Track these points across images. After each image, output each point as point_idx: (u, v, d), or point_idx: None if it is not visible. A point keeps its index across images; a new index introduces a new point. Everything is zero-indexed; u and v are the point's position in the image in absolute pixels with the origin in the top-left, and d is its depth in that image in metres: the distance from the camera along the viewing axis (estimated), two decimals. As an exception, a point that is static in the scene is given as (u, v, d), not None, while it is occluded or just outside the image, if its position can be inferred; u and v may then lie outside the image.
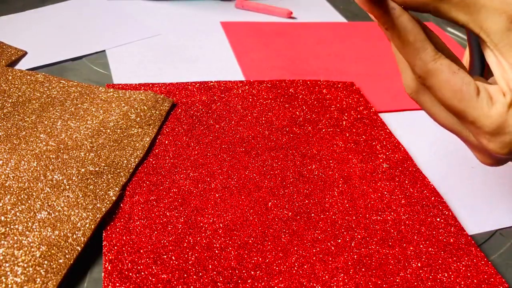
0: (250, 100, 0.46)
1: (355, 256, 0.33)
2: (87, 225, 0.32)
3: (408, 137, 0.45)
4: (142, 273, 0.30)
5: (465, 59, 0.37)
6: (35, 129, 0.39)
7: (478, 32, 0.28)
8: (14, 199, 0.33)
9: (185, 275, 0.30)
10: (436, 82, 0.29)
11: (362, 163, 0.41)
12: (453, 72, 0.29)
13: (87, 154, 0.37)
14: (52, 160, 0.36)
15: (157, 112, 0.42)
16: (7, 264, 0.29)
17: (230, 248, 0.32)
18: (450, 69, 0.29)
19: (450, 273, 0.33)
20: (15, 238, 0.30)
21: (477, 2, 0.27)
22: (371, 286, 0.31)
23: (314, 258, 0.32)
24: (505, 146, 0.28)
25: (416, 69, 0.30)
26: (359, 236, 0.34)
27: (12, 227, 0.31)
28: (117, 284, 0.29)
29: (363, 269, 0.32)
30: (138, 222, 0.33)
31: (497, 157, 0.30)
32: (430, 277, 0.32)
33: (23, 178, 0.34)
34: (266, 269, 0.31)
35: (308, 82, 0.50)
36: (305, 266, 0.32)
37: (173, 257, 0.31)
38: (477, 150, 0.32)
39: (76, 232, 0.31)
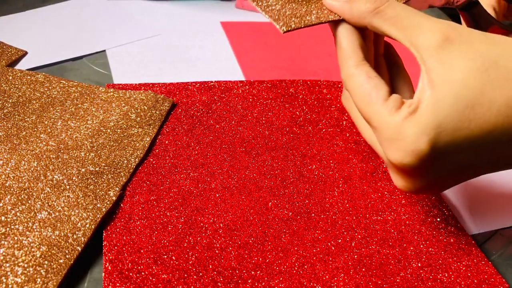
0: (250, 100, 0.46)
1: (356, 256, 0.33)
2: (88, 225, 0.32)
3: (408, 137, 0.45)
4: (143, 273, 0.30)
5: None
6: (35, 129, 0.39)
7: (409, 47, 0.29)
8: (15, 199, 0.33)
9: (185, 275, 0.30)
10: (352, 86, 0.30)
11: (362, 163, 0.41)
12: (368, 77, 0.30)
13: (87, 154, 0.37)
14: (52, 160, 0.36)
15: (157, 112, 0.42)
16: (7, 264, 0.29)
17: (230, 248, 0.32)
18: (367, 75, 0.30)
19: (451, 273, 0.33)
20: (16, 238, 0.30)
21: (411, 19, 0.29)
22: (371, 286, 0.31)
23: (314, 258, 0.32)
24: (400, 153, 0.28)
25: (341, 74, 0.31)
26: (359, 236, 0.34)
27: (12, 227, 0.31)
28: (118, 284, 0.29)
29: (363, 269, 0.32)
30: (138, 222, 0.33)
31: (408, 178, 0.30)
32: (431, 277, 0.32)
33: (23, 178, 0.34)
34: (267, 269, 0.31)
35: (308, 82, 0.50)
36: (306, 266, 0.32)
37: (174, 257, 0.31)
38: (390, 169, 0.32)
39: (77, 232, 0.31)
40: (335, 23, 0.32)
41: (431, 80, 0.28)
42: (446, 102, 0.27)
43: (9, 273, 0.28)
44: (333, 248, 0.33)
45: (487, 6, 0.50)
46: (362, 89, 0.30)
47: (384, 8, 0.30)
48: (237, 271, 0.31)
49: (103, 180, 0.35)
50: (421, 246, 0.34)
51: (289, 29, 0.31)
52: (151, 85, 0.47)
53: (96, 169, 0.36)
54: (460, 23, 0.45)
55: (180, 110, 0.44)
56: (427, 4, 0.40)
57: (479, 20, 0.45)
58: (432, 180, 0.30)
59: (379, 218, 0.36)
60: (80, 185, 0.34)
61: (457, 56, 0.27)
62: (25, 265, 0.29)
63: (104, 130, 0.39)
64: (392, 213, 0.36)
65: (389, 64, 0.35)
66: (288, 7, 0.32)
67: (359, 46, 0.31)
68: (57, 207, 0.32)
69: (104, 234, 0.32)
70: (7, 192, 0.33)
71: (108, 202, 0.34)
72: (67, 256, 0.30)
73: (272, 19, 0.32)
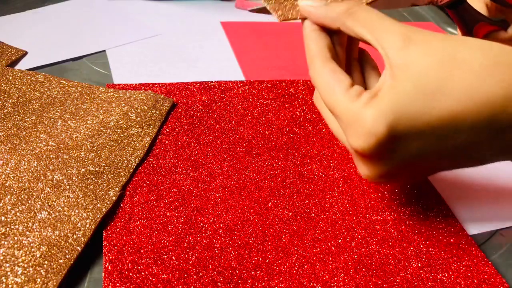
0: (250, 100, 0.46)
1: (356, 256, 0.33)
2: (88, 225, 0.32)
3: (408, 137, 0.45)
4: (143, 273, 0.30)
5: None
6: (35, 129, 0.39)
7: (376, 46, 0.31)
8: (15, 199, 0.33)
9: (185, 275, 0.30)
10: (318, 81, 0.33)
11: (362, 163, 0.41)
12: (332, 72, 0.32)
13: (88, 154, 0.37)
14: (52, 160, 0.36)
15: (157, 112, 0.42)
16: (7, 264, 0.29)
17: (230, 248, 0.32)
18: (332, 70, 0.32)
19: (450, 273, 0.33)
20: (16, 238, 0.30)
21: (380, 23, 0.32)
22: (371, 286, 0.31)
23: (314, 258, 0.32)
24: (360, 137, 0.30)
25: (309, 73, 0.34)
26: (359, 236, 0.34)
27: (12, 227, 0.31)
28: (118, 284, 0.29)
29: (363, 269, 0.32)
30: (138, 222, 0.33)
31: (369, 164, 0.32)
32: (431, 277, 0.32)
33: (23, 178, 0.34)
34: (267, 269, 0.31)
35: (308, 82, 0.50)
36: (306, 266, 0.32)
37: (174, 257, 0.31)
38: (354, 157, 0.33)
39: (77, 232, 0.31)
40: (304, 27, 0.35)
41: (393, 73, 0.30)
42: (405, 90, 0.29)
43: (9, 273, 0.28)
44: (333, 248, 0.33)
45: (479, 1, 0.50)
46: (327, 83, 0.32)
47: (355, 11, 0.33)
48: (237, 271, 0.31)
49: (103, 180, 0.35)
50: (421, 246, 0.34)
51: (286, 19, 0.36)
52: (151, 85, 0.47)
53: (96, 169, 0.36)
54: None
55: (180, 110, 0.44)
56: (410, 3, 0.41)
57: (466, 17, 0.45)
58: (394, 166, 0.31)
59: (379, 218, 0.36)
60: (80, 185, 0.34)
61: (418, 53, 0.30)
62: (25, 265, 0.29)
63: (104, 130, 0.39)
64: (392, 213, 0.36)
65: (365, 68, 0.38)
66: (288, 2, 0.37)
67: (326, 47, 0.34)
68: (57, 207, 0.32)
69: (104, 234, 0.32)
70: (7, 192, 0.33)
71: (108, 202, 0.34)
72: (67, 256, 0.30)
73: (272, 9, 0.37)
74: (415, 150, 0.30)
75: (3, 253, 0.29)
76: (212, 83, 0.48)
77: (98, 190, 0.34)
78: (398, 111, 0.29)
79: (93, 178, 0.35)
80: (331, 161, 0.41)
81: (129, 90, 0.44)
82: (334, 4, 0.34)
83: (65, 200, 0.33)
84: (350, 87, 0.32)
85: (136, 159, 0.38)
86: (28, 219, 0.31)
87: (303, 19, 0.36)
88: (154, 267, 0.30)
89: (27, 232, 0.31)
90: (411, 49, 0.30)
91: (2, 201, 0.32)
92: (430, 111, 0.29)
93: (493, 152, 0.32)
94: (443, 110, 0.29)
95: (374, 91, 0.31)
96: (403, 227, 0.35)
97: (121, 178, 0.36)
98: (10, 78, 0.44)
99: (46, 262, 0.29)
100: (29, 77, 0.45)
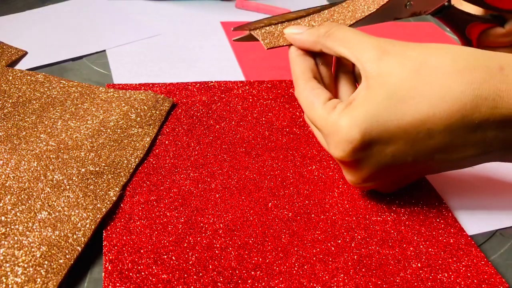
0: (250, 100, 0.47)
1: (355, 257, 0.33)
2: (88, 225, 0.32)
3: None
4: (143, 273, 0.30)
5: None
6: (35, 129, 0.39)
7: (355, 61, 0.33)
8: (15, 199, 0.33)
9: (185, 275, 0.30)
10: (301, 99, 0.36)
11: (362, 163, 0.41)
12: (312, 89, 0.35)
13: (88, 154, 0.37)
14: (53, 160, 0.36)
15: (157, 112, 0.42)
16: (7, 264, 0.29)
17: (230, 248, 0.32)
18: (312, 88, 0.35)
19: (450, 273, 0.33)
20: (16, 238, 0.30)
21: (356, 40, 0.34)
22: (371, 286, 0.31)
23: (314, 258, 0.32)
24: (338, 146, 0.32)
25: (295, 93, 0.37)
26: (359, 237, 0.34)
27: (12, 227, 0.31)
28: (118, 284, 0.29)
29: (363, 270, 0.32)
30: (138, 222, 0.33)
31: (352, 171, 0.34)
32: (430, 277, 0.32)
33: (23, 178, 0.34)
34: (266, 269, 0.31)
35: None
36: (305, 267, 0.32)
37: (174, 257, 0.31)
38: (340, 165, 0.36)
39: (77, 232, 0.31)
40: (290, 53, 0.39)
41: (368, 84, 0.32)
42: (378, 98, 0.31)
43: (9, 273, 0.28)
44: (333, 248, 0.33)
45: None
46: (307, 98, 0.35)
47: (333, 31, 0.36)
48: (237, 271, 0.31)
49: (103, 180, 0.35)
50: (421, 246, 0.34)
51: (273, 46, 0.40)
52: (151, 85, 0.47)
53: (96, 169, 0.36)
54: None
55: (180, 110, 0.44)
56: (393, 17, 0.41)
57: (457, 21, 0.45)
58: (374, 171, 0.33)
59: (379, 218, 0.36)
60: (80, 185, 0.34)
61: (392, 63, 0.32)
62: (25, 265, 0.29)
63: (104, 130, 0.39)
64: (392, 213, 0.36)
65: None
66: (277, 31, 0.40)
67: (308, 68, 0.37)
68: (57, 207, 0.32)
69: (104, 234, 0.32)
70: (7, 192, 0.33)
71: (108, 202, 0.34)
72: (67, 256, 0.30)
73: (261, 37, 0.40)
74: (390, 154, 0.32)
75: (3, 253, 0.29)
76: (212, 83, 0.48)
77: (98, 190, 0.34)
78: (371, 118, 0.31)
79: (93, 178, 0.35)
80: (331, 162, 0.41)
81: (129, 90, 0.44)
82: (315, 28, 0.38)
83: (65, 200, 0.33)
84: (327, 100, 0.34)
85: (136, 159, 0.38)
86: (28, 219, 0.31)
87: (289, 45, 0.39)
88: (154, 267, 0.30)
89: (27, 232, 0.31)
90: (386, 60, 0.32)
91: (2, 201, 0.32)
92: (402, 117, 0.31)
93: (474, 152, 0.33)
94: (416, 114, 0.30)
95: (348, 101, 0.33)
96: (402, 227, 0.35)
97: (121, 178, 0.36)
98: (10, 78, 0.44)
99: (46, 262, 0.29)
100: (29, 77, 0.45)
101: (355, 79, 0.39)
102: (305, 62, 0.37)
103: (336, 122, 0.32)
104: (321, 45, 0.36)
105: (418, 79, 0.31)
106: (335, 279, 0.31)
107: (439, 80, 0.30)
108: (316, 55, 0.38)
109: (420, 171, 0.35)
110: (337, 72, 0.39)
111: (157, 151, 0.39)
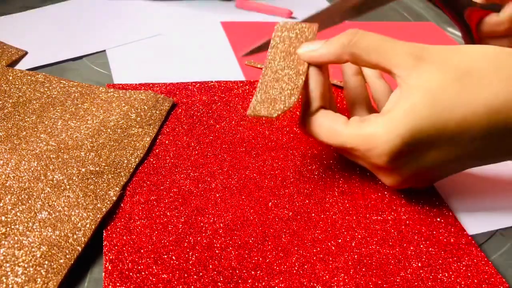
0: (250, 100, 0.46)
1: (356, 256, 0.33)
2: (88, 225, 0.32)
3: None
4: (143, 273, 0.30)
5: None
6: (35, 129, 0.39)
7: (389, 69, 0.33)
8: (15, 199, 0.33)
9: (185, 275, 0.30)
10: (314, 130, 0.35)
11: (362, 163, 0.41)
12: (325, 116, 0.35)
13: (88, 154, 0.37)
14: (53, 160, 0.36)
15: (157, 112, 0.42)
16: (7, 264, 0.29)
17: (230, 248, 0.32)
18: (322, 114, 0.35)
19: (451, 273, 0.33)
20: (16, 238, 0.30)
21: (387, 46, 0.33)
22: (371, 285, 0.31)
23: (314, 258, 0.32)
24: (381, 157, 0.32)
25: (304, 131, 0.36)
26: (359, 236, 0.34)
27: (12, 227, 0.31)
28: (118, 284, 0.29)
29: (363, 269, 0.32)
30: (138, 222, 0.33)
31: (392, 174, 0.34)
32: (431, 277, 0.32)
33: (23, 178, 0.34)
34: (267, 269, 0.31)
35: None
36: (306, 266, 0.32)
37: (174, 257, 0.31)
38: (377, 172, 0.36)
39: (77, 232, 0.31)
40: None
41: (406, 93, 0.32)
42: (420, 106, 0.31)
43: (9, 273, 0.28)
44: (333, 248, 0.33)
45: None
46: (323, 127, 0.34)
47: (357, 39, 0.34)
48: (237, 271, 0.31)
49: (103, 180, 0.35)
50: (421, 246, 0.34)
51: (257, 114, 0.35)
52: (151, 85, 0.47)
53: (96, 169, 0.36)
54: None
55: (180, 110, 0.44)
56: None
57: (455, 5, 0.46)
58: (414, 173, 0.34)
59: (379, 218, 0.36)
60: (80, 185, 0.34)
61: (431, 71, 0.32)
62: (25, 265, 0.29)
63: (104, 130, 0.39)
64: (392, 213, 0.36)
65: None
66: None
67: (319, 96, 0.35)
68: (57, 207, 0.32)
69: (104, 234, 0.32)
70: (7, 192, 0.33)
71: (108, 202, 0.34)
72: (67, 256, 0.30)
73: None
74: (431, 159, 0.33)
75: (4, 253, 0.29)
76: (212, 83, 0.48)
77: (98, 190, 0.34)
78: (414, 128, 0.31)
79: (93, 178, 0.35)
80: (331, 161, 0.41)
81: (129, 90, 0.44)
82: (332, 40, 0.35)
83: (65, 200, 0.33)
84: (344, 121, 0.34)
85: (136, 159, 0.38)
86: (28, 219, 0.31)
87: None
88: (154, 267, 0.30)
89: (27, 232, 0.31)
90: (423, 67, 0.32)
91: (2, 201, 0.32)
92: (445, 124, 0.31)
93: (502, 152, 0.34)
94: (460, 122, 0.31)
95: (384, 111, 0.33)
96: (403, 227, 0.35)
97: (121, 178, 0.36)
98: (10, 78, 0.44)
99: (46, 262, 0.29)
100: (29, 77, 0.45)
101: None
102: (319, 87, 0.36)
103: (374, 134, 0.32)
104: (347, 55, 0.34)
105: (461, 88, 0.31)
106: (335, 278, 0.31)
107: (483, 90, 0.31)
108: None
109: (453, 170, 0.36)
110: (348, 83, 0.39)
111: (157, 151, 0.39)
